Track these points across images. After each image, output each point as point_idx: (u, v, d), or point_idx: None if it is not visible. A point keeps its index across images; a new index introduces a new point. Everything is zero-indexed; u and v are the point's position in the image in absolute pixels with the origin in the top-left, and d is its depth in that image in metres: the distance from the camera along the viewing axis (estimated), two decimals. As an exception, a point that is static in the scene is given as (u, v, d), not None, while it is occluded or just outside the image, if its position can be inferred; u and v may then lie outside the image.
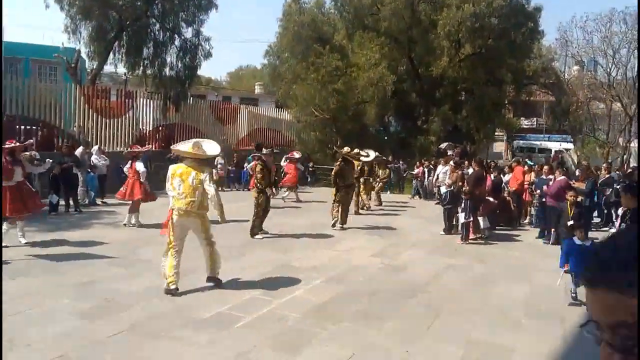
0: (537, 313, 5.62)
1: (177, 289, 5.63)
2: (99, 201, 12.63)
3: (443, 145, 17.98)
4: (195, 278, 6.19)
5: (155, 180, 10.52)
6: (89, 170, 12.49)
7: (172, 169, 5.90)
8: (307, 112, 21.94)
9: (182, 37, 21.51)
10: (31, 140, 11.58)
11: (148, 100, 20.23)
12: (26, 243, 7.71)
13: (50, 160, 9.81)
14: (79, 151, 12.32)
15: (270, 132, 25.02)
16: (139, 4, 20.22)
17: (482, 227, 9.68)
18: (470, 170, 10.48)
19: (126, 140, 18.23)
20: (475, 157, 10.14)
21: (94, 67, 20.02)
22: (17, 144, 8.26)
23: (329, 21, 22.53)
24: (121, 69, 22.13)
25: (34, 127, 15.38)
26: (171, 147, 7.14)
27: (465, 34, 21.13)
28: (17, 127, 14.54)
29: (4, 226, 7.57)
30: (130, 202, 9.78)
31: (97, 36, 19.33)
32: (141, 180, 9.76)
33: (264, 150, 10.08)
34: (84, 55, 20.57)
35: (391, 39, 22.50)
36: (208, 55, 21.85)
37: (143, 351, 4.17)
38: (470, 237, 9.49)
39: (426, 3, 22.44)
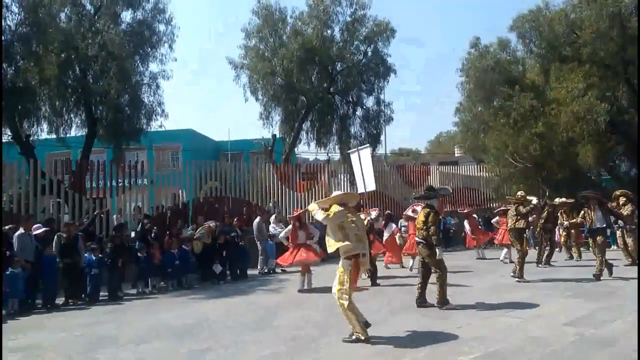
0: None
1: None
2: (278, 269, 12.76)
3: None
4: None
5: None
6: (268, 239, 12.82)
7: None
8: (503, 164, 19.50)
9: (364, 107, 22.02)
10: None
11: (334, 172, 20.91)
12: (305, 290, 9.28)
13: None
14: (256, 221, 12.85)
15: (466, 191, 23.03)
16: (324, 85, 21.58)
17: None
18: None
19: (317, 212, 18.92)
20: None
21: (286, 148, 21.66)
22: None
23: (516, 60, 20.28)
24: (313, 147, 23.54)
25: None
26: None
27: (702, 38, 16.47)
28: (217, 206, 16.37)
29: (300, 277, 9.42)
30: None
31: (287, 119, 21.11)
32: None
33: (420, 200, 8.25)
34: (278, 138, 22.49)
35: (598, 65, 18.96)
36: (389, 120, 21.83)
37: None
38: None
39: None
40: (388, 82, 21.91)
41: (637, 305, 5.09)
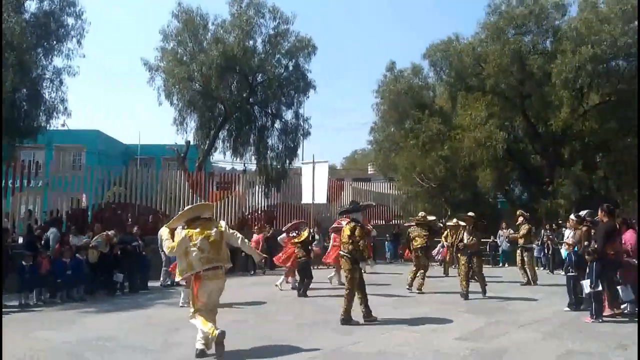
0: None
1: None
2: (182, 282, 12.21)
3: (583, 213, 14.73)
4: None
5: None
6: (173, 250, 12.26)
7: None
8: (411, 183, 20.44)
9: (283, 120, 22.06)
10: None
11: (251, 183, 20.74)
12: None
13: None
14: (161, 230, 12.24)
15: (376, 208, 23.77)
16: (243, 94, 21.30)
17: (622, 299, 7.12)
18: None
19: (230, 223, 18.54)
20: (603, 204, 7.66)
21: (200, 155, 21.08)
22: None
23: (427, 86, 21.47)
24: (229, 157, 23.08)
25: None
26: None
27: (587, 80, 18.43)
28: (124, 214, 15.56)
29: None
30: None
31: (202, 126, 20.56)
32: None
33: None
34: (192, 145, 21.82)
35: (499, 96, 20.57)
36: (307, 134, 22.08)
37: None
38: (606, 314, 6.98)
39: (537, 54, 20.36)
40: (308, 97, 22.13)
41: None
